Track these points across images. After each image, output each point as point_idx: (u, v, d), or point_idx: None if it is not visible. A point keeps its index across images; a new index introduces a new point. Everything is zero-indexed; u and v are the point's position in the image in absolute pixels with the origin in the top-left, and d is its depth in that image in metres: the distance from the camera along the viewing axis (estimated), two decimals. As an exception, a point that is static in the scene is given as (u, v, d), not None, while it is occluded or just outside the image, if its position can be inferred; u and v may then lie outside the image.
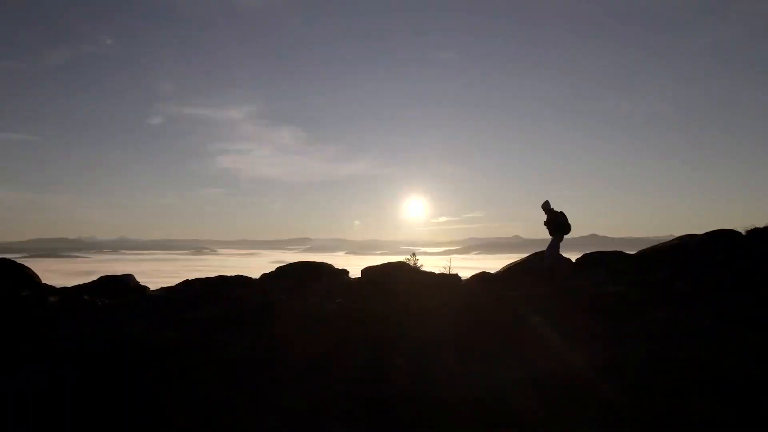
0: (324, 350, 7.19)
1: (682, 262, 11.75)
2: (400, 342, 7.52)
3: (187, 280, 13.16)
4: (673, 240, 13.36)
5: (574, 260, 13.00)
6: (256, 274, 13.95)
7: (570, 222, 13.25)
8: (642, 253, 13.21)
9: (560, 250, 13.47)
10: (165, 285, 13.66)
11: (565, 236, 13.20)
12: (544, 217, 13.22)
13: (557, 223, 13.13)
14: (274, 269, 13.71)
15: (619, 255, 13.15)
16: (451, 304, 10.11)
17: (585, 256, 13.24)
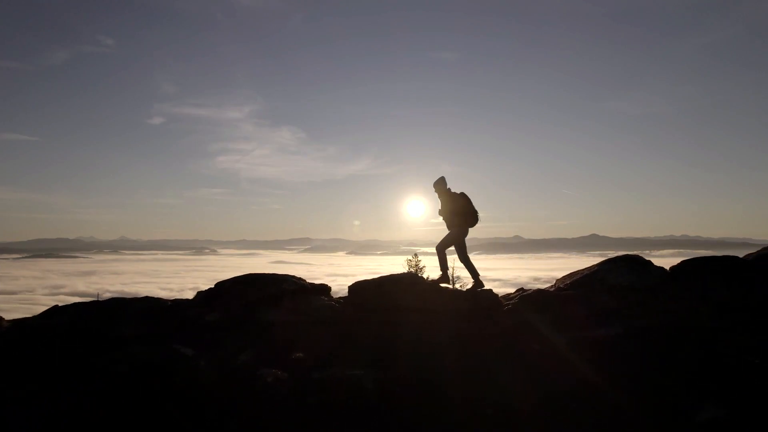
0: None
1: None
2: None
3: (57, 306, 8.29)
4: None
5: (668, 268, 8.50)
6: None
7: (476, 209, 8.85)
8: (765, 257, 8.58)
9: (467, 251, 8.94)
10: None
11: (470, 230, 8.82)
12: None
13: (457, 211, 8.75)
14: (212, 285, 8.85)
15: (732, 262, 8.44)
16: (499, 365, 5.88)
17: (684, 263, 8.57)
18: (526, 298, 7.98)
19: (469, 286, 8.90)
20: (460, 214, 8.79)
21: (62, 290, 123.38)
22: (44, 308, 8.39)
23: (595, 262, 9.03)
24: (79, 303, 8.28)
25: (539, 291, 8.19)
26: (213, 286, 8.71)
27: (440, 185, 9.02)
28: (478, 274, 8.84)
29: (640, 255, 8.92)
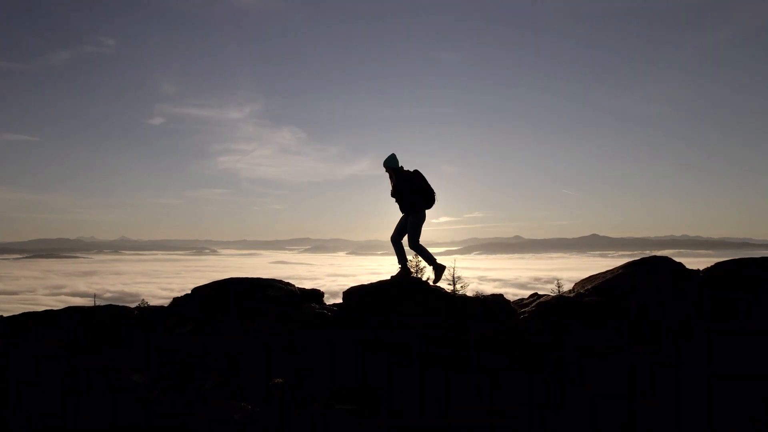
0: None
1: None
2: None
3: (1, 316, 7.42)
4: None
5: (700, 270, 7.49)
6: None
7: (433, 188, 7.91)
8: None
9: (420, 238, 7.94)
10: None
11: (427, 213, 7.91)
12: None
13: (412, 191, 7.82)
14: (189, 291, 7.94)
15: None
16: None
17: (719, 266, 7.40)
18: (544, 306, 6.79)
19: (459, 284, 8.43)
20: (416, 194, 7.83)
21: (63, 290, 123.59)
22: (45, 308, 8.05)
23: (616, 264, 7.90)
24: (31, 312, 7.26)
25: (560, 298, 6.98)
26: (190, 292, 7.64)
27: (392, 163, 8.01)
28: (435, 259, 8.04)
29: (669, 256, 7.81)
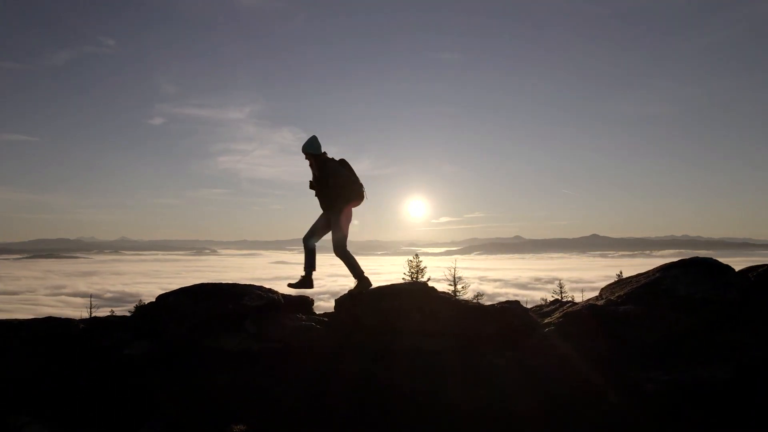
0: None
1: None
2: None
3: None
4: None
5: (750, 274, 6.53)
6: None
7: (361, 181, 6.61)
8: None
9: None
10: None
11: (353, 210, 6.58)
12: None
13: (338, 183, 6.35)
14: (155, 299, 6.59)
15: None
16: None
17: None
18: (572, 317, 5.77)
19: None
20: (342, 188, 6.37)
21: (64, 290, 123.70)
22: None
23: (616, 264, 6.73)
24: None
25: (590, 306, 5.91)
26: (155, 300, 6.28)
27: (312, 148, 6.43)
28: (362, 271, 6.60)
29: (713, 258, 6.78)
